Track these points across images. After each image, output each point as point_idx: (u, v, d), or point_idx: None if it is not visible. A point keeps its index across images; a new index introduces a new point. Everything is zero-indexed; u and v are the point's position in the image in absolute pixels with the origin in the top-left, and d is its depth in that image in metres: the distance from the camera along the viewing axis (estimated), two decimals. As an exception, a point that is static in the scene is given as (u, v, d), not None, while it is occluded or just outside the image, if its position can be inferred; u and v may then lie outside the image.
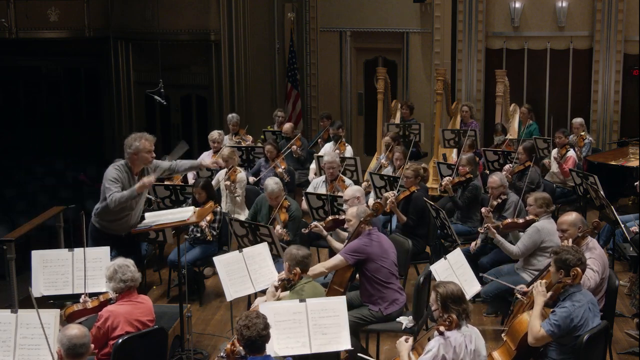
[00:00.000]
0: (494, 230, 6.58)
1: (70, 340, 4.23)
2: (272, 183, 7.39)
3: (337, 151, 9.98)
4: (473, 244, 7.19)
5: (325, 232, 6.84)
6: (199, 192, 7.64)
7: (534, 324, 4.87)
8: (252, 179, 9.19)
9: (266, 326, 4.32)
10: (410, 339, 4.64)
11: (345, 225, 6.04)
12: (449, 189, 8.16)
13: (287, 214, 7.35)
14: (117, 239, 6.48)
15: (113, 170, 6.37)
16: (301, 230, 7.21)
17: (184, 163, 7.07)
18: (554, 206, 6.77)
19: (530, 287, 5.39)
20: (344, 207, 7.02)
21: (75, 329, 4.31)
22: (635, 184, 8.43)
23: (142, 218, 6.49)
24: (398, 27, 13.20)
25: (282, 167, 9.24)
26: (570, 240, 5.79)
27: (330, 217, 7.01)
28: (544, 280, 5.13)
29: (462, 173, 8.31)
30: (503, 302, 6.43)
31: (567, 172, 9.38)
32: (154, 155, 6.55)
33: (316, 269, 5.82)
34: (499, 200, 7.32)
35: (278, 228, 7.15)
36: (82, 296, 5.44)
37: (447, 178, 8.29)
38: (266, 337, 4.32)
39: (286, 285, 5.35)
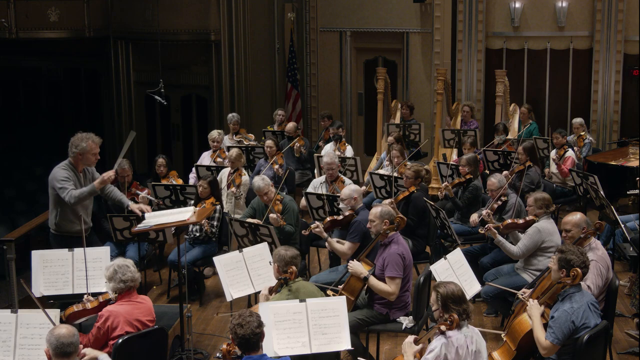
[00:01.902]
0: (495, 231, 6.58)
1: (58, 340, 4.22)
2: (257, 180, 7.40)
3: (338, 151, 9.99)
4: (475, 215, 7.24)
5: (325, 234, 6.81)
6: (204, 185, 7.68)
7: (539, 336, 4.89)
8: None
9: (260, 324, 4.31)
10: (421, 345, 4.60)
11: (368, 225, 6.00)
12: (449, 191, 8.17)
13: (281, 205, 7.36)
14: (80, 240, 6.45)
15: (60, 171, 6.37)
16: (301, 232, 7.20)
17: (118, 194, 6.83)
18: (553, 206, 6.77)
19: (528, 293, 5.41)
20: (341, 206, 7.01)
21: (63, 329, 4.29)
22: (637, 178, 8.48)
23: (142, 218, 6.49)
24: (398, 27, 13.20)
25: (279, 163, 9.25)
26: (572, 240, 5.80)
27: (328, 218, 6.99)
28: (534, 298, 5.15)
29: (462, 173, 8.31)
30: (503, 302, 6.44)
31: (566, 172, 9.38)
32: (99, 157, 6.54)
33: (384, 289, 5.73)
34: (499, 203, 7.31)
35: (272, 215, 7.14)
36: (85, 296, 5.43)
37: (446, 183, 8.30)
38: (260, 335, 4.31)
39: (282, 284, 5.35)
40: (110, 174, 6.40)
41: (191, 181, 9.59)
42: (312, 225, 6.83)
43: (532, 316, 4.99)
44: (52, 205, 6.48)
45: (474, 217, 7.30)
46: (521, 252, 6.49)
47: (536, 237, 6.42)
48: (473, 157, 8.51)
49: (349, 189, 7.01)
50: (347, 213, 6.86)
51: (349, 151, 10.27)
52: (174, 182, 8.68)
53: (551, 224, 6.53)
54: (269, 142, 9.46)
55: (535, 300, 5.08)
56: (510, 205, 7.27)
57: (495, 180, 7.38)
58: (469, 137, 9.76)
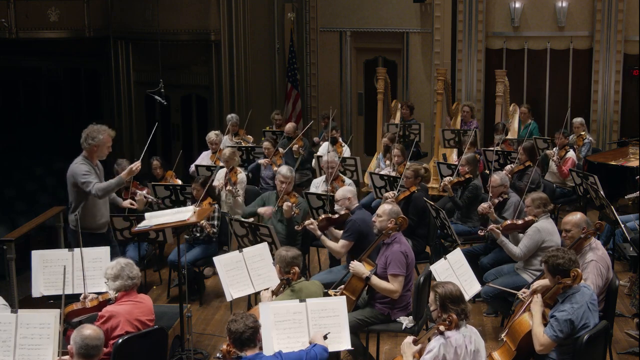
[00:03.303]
0: (498, 231, 6.57)
1: (83, 340, 4.22)
2: (285, 168, 7.55)
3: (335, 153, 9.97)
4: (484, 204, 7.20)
5: (319, 232, 6.80)
6: (197, 188, 7.69)
7: (537, 332, 4.88)
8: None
9: (255, 321, 4.33)
10: (420, 346, 4.62)
11: (374, 219, 6.01)
12: (449, 189, 8.16)
13: (297, 199, 7.43)
14: (100, 237, 6.46)
15: (80, 166, 6.37)
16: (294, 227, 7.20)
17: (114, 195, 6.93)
18: (552, 205, 6.77)
19: (529, 291, 5.40)
20: (336, 207, 7.00)
21: (89, 329, 4.30)
22: (637, 177, 8.48)
23: (142, 218, 6.49)
24: (398, 27, 13.20)
25: (279, 164, 9.26)
26: (572, 240, 5.79)
27: (323, 216, 6.98)
28: (539, 292, 5.13)
29: (462, 173, 8.30)
30: (503, 302, 6.44)
31: (565, 173, 9.38)
32: (111, 150, 6.56)
33: (387, 287, 5.73)
34: (500, 199, 7.31)
35: (287, 203, 7.17)
36: (82, 295, 5.44)
37: (447, 178, 8.29)
38: (255, 331, 4.31)
39: (285, 285, 5.35)
40: (137, 164, 6.45)
41: (192, 170, 9.66)
42: (307, 222, 6.81)
43: (534, 312, 4.98)
44: (73, 202, 6.47)
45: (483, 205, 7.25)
46: (522, 253, 6.49)
47: (536, 237, 6.42)
48: (473, 156, 8.50)
49: (343, 190, 7.02)
50: (342, 212, 6.87)
51: (346, 152, 10.24)
52: (172, 183, 8.68)
53: (550, 224, 6.53)
54: (266, 144, 9.52)
55: (540, 296, 5.06)
56: (510, 203, 7.26)
57: (497, 177, 7.37)
58: (469, 137, 9.76)
